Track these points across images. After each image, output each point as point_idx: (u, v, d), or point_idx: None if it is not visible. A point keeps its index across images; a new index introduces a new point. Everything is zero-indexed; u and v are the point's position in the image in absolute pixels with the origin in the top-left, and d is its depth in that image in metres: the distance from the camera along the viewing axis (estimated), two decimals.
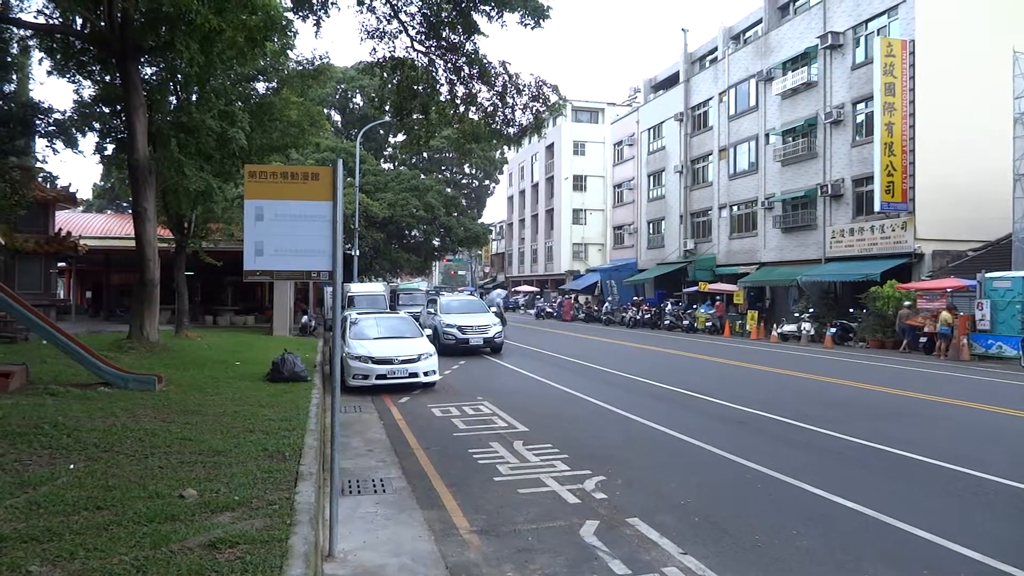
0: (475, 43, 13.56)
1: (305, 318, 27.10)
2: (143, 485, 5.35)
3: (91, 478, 5.51)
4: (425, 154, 51.92)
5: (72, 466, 5.87)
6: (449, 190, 52.23)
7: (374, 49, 13.83)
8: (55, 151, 19.17)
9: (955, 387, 14.26)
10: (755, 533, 5.68)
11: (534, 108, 14.07)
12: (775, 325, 28.23)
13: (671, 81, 43.95)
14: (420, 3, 13.44)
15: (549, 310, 46.28)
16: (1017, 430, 10.10)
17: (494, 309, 26.79)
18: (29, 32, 16.56)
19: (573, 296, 49.44)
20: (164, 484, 5.38)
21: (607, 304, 42.14)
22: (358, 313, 16.89)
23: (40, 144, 19.05)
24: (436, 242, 50.30)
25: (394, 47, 13.80)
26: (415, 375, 13.44)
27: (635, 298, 39.99)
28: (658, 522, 5.90)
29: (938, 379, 15.69)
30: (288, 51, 19.71)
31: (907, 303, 22.41)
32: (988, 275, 20.28)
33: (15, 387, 9.57)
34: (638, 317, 35.79)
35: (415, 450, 8.71)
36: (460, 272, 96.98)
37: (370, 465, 7.94)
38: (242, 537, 4.22)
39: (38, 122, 17.72)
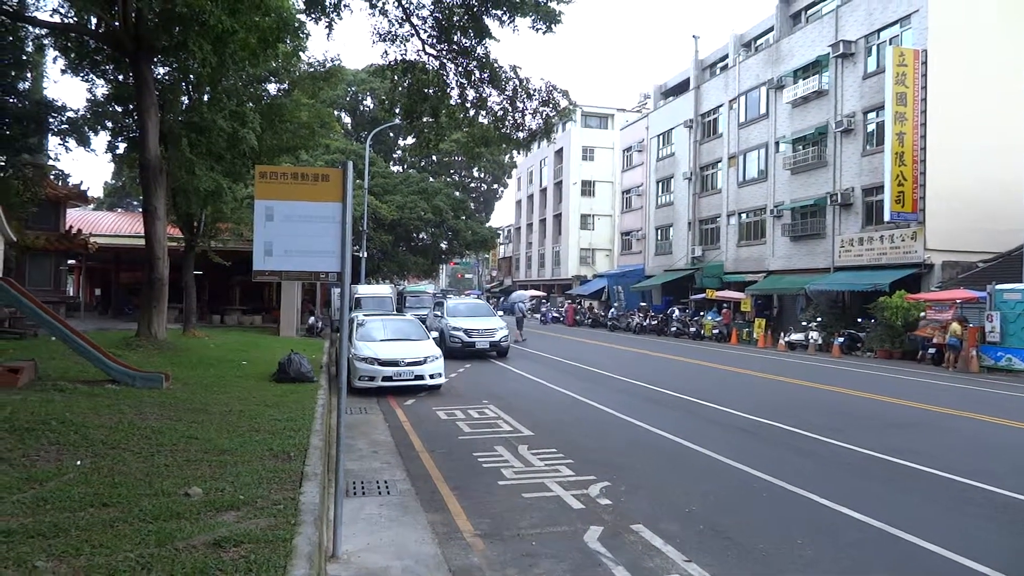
0: (486, 47, 13.60)
1: (312, 319, 27.17)
2: (149, 483, 5.37)
3: (97, 475, 5.53)
4: (434, 157, 52.06)
5: (79, 462, 5.89)
6: (457, 193, 52.34)
7: (385, 52, 13.88)
8: (67, 149, 19.35)
9: (963, 399, 14.16)
10: (760, 542, 5.65)
11: (544, 113, 14.09)
12: (782, 333, 28.13)
13: (681, 88, 43.95)
14: (432, 7, 13.49)
15: (555, 315, 46.21)
16: None
17: (499, 314, 26.73)
18: (44, 31, 16.72)
19: (578, 301, 49.39)
20: (170, 482, 5.40)
21: (612, 310, 42.07)
22: (365, 315, 16.93)
23: (53, 142, 19.21)
24: (444, 245, 50.41)
25: (405, 50, 13.85)
26: (421, 377, 13.44)
27: (641, 304, 39.95)
28: (662, 529, 5.88)
29: (946, 391, 15.59)
30: (300, 53, 19.79)
31: (923, 314, 22.27)
32: (998, 287, 20.15)
33: (24, 383, 9.63)
34: (645, 323, 35.74)
35: (420, 452, 8.71)
36: (467, 275, 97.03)
37: (375, 467, 7.95)
38: (247, 536, 4.23)
39: (51, 120, 17.86)
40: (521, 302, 36.80)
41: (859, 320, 25.56)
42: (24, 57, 17.14)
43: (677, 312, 35.32)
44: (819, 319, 26.99)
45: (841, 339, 24.87)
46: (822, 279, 28.14)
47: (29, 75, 18.15)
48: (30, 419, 7.30)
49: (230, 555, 3.96)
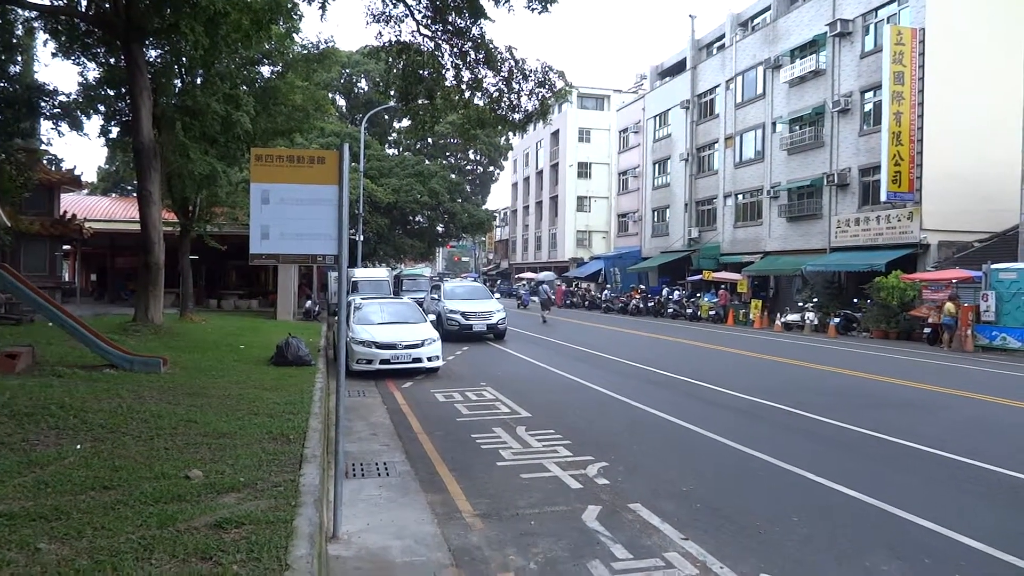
0: (481, 27, 13.47)
1: (309, 303, 27.16)
2: (149, 466, 5.39)
3: (98, 458, 5.55)
4: (430, 140, 51.77)
5: (79, 446, 5.91)
6: (453, 176, 52.12)
7: (380, 33, 13.75)
8: (60, 133, 19.32)
9: (958, 378, 14.25)
10: (756, 520, 5.71)
11: (540, 94, 13.99)
12: (779, 314, 28.21)
13: (678, 68, 43.68)
14: None
15: (553, 297, 46.12)
16: (1019, 421, 10.10)
17: (496, 296, 26.67)
18: (34, 13, 16.50)
19: (574, 283, 49.37)
20: (170, 465, 5.42)
21: (606, 291, 42.08)
22: (362, 298, 16.93)
23: (45, 126, 19.05)
24: (440, 228, 50.27)
25: (400, 31, 13.72)
26: (419, 360, 13.48)
27: (632, 286, 39.97)
28: (660, 508, 5.93)
29: (941, 370, 15.68)
30: (293, 34, 19.63)
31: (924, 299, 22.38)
32: (994, 266, 20.22)
33: (22, 368, 9.62)
34: (641, 305, 35.79)
35: (418, 434, 8.75)
36: (464, 258, 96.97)
37: (374, 449, 7.99)
38: (247, 518, 4.25)
39: (43, 104, 17.67)
40: (546, 284, 36.86)
41: (855, 300, 25.64)
42: (14, 40, 16.93)
43: (676, 294, 35.36)
44: (815, 300, 27.06)
45: (837, 319, 24.96)
46: (818, 260, 28.17)
47: (19, 59, 17.94)
48: (29, 404, 7.31)
49: (231, 536, 3.98)
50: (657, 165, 43.85)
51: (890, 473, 7.20)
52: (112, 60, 17.59)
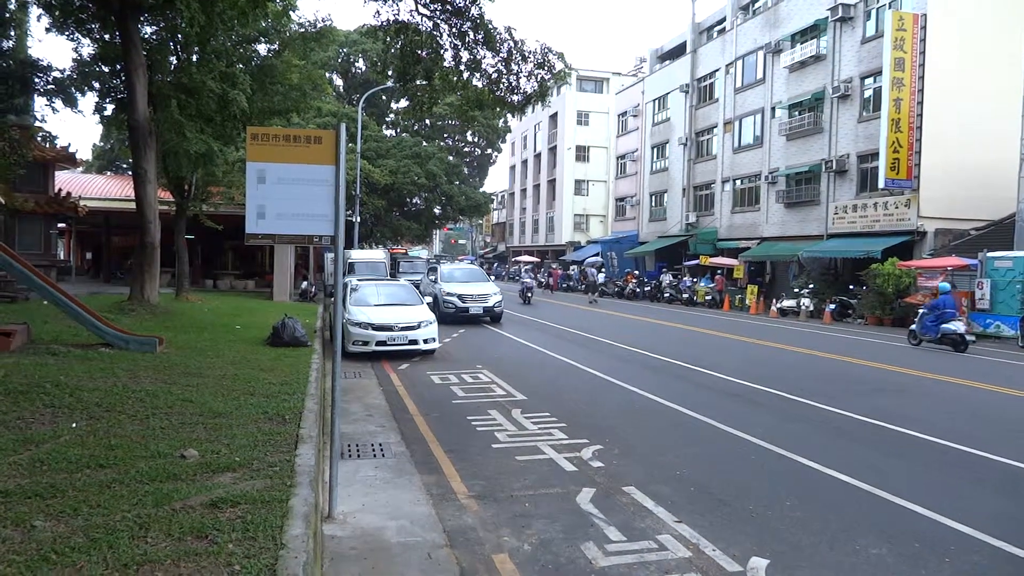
0: (480, 7, 13.30)
1: (305, 283, 27.12)
2: (145, 445, 5.40)
3: (93, 437, 5.56)
4: (427, 121, 51.35)
5: (74, 425, 5.92)
6: (451, 158, 51.83)
7: (377, 12, 13.56)
8: (54, 110, 19.03)
9: (951, 365, 14.32)
10: (749, 503, 5.75)
11: (539, 76, 13.86)
12: (774, 300, 28.28)
13: (678, 51, 43.39)
14: None
15: (543, 280, 46.12)
16: (1010, 408, 10.16)
17: (492, 279, 26.63)
18: None
19: (568, 267, 49.35)
20: (165, 444, 5.43)
21: (600, 275, 42.09)
22: (359, 280, 16.90)
23: (39, 103, 18.85)
24: (437, 210, 50.08)
25: (398, 10, 13.53)
26: (415, 342, 13.49)
27: (627, 271, 39.95)
28: (653, 491, 5.97)
29: (935, 357, 15.74)
30: (290, 12, 19.41)
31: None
32: (989, 254, 20.25)
33: (17, 346, 9.61)
34: (637, 290, 35.82)
35: (414, 416, 8.78)
36: (461, 241, 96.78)
37: (369, 430, 8.01)
38: (243, 497, 4.27)
39: (37, 80, 17.49)
40: (593, 266, 37.13)
41: (851, 287, 25.69)
42: (7, 15, 16.72)
43: (670, 278, 35.36)
44: (811, 286, 27.11)
45: (832, 306, 25.02)
46: (815, 246, 28.18)
47: (13, 34, 17.72)
48: (24, 382, 7.31)
49: (227, 515, 4.00)
50: (655, 149, 43.69)
51: (882, 458, 7.25)
52: (107, 36, 17.36)
